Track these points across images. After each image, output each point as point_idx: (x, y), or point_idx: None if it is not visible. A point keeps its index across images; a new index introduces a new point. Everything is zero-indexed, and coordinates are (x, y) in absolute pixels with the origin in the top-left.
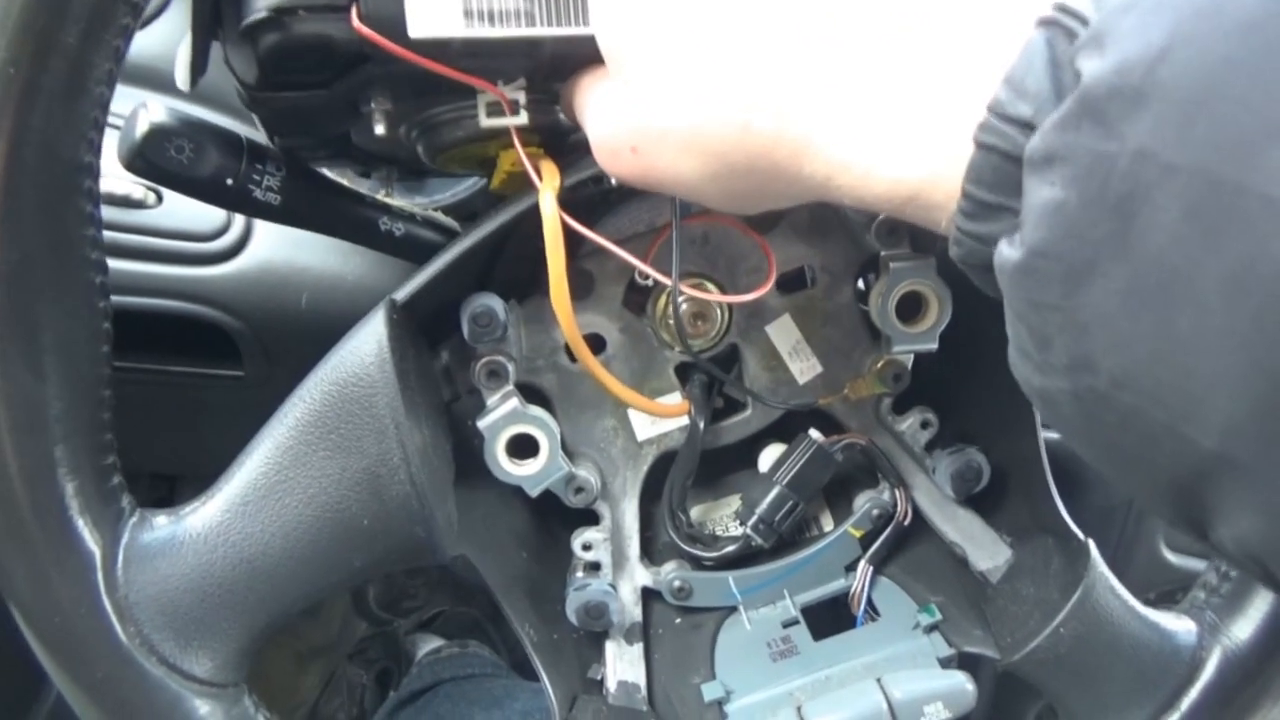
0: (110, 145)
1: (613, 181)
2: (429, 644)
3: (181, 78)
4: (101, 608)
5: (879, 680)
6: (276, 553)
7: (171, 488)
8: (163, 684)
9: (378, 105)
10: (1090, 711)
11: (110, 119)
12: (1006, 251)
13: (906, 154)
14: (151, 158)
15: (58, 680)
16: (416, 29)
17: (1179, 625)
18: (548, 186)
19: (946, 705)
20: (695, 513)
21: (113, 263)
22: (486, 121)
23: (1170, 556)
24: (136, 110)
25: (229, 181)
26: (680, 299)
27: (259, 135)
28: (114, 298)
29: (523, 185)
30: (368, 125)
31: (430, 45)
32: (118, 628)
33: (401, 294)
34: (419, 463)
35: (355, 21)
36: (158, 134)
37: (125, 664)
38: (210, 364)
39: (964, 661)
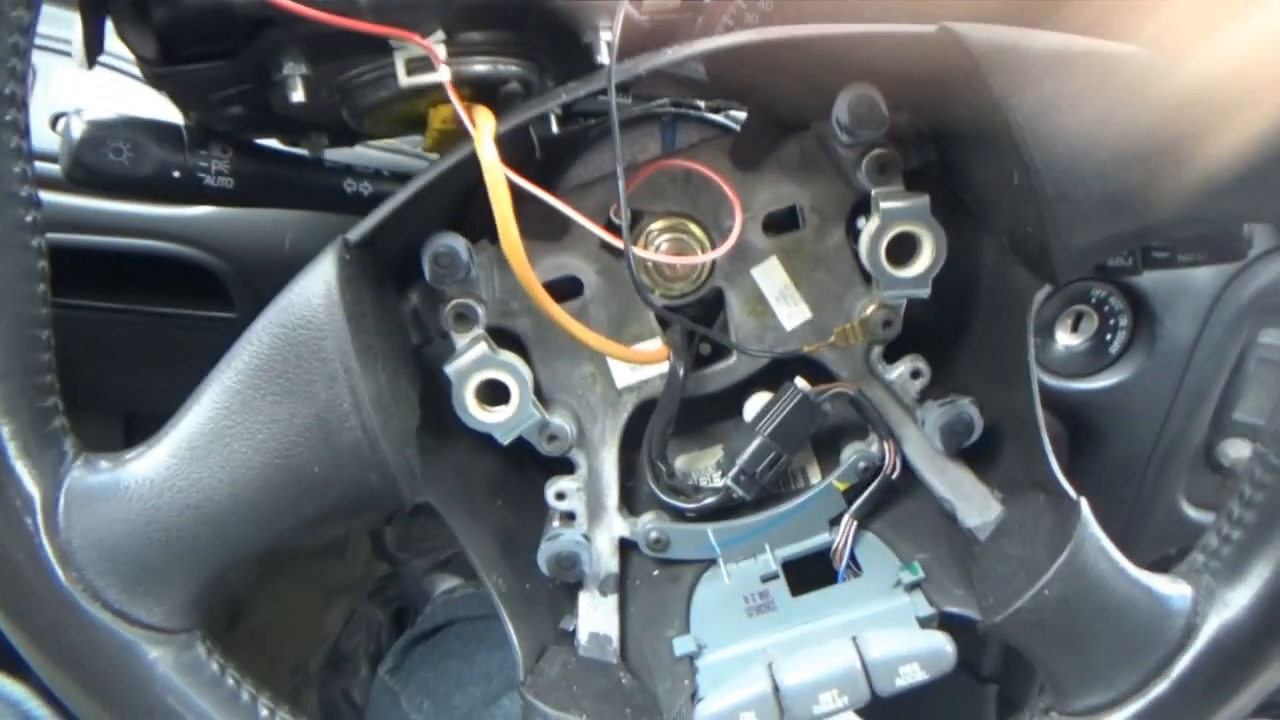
0: None
1: (554, 126)
2: (445, 584)
3: (78, 57)
4: (41, 552)
5: (854, 639)
6: (224, 499)
7: None
8: (109, 629)
9: (291, 70)
10: (1074, 677)
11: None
12: None
13: None
14: (91, 165)
15: (4, 627)
16: None
17: (1173, 589)
18: (483, 131)
19: (923, 667)
20: (680, 463)
21: (96, 203)
22: (407, 80)
23: (1191, 512)
24: (67, 119)
25: (176, 175)
26: (659, 239)
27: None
28: (95, 237)
29: (458, 141)
30: (284, 93)
31: (337, 1)
32: (59, 572)
33: (355, 234)
34: (370, 408)
35: None
36: (90, 140)
37: (68, 609)
38: (204, 306)
39: (949, 623)
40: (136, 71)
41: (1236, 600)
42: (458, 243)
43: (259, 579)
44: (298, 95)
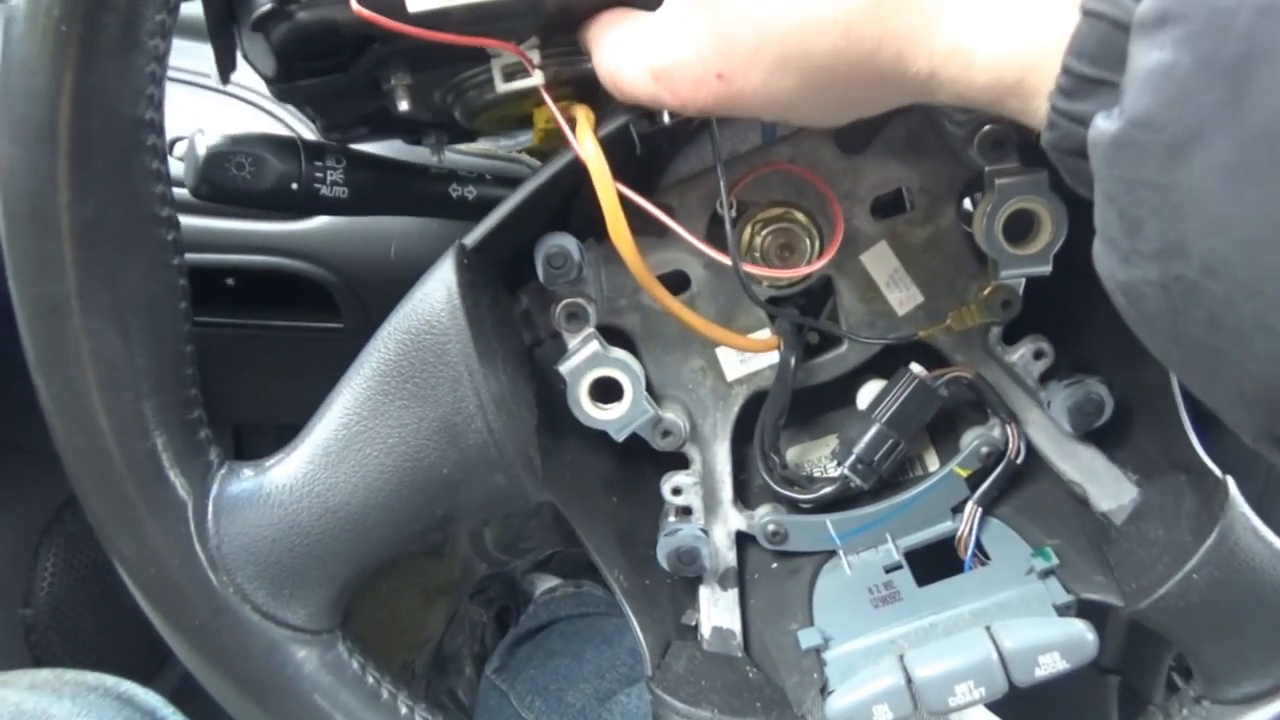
0: None
1: (665, 118)
2: (545, 583)
3: (215, 75)
4: (195, 557)
5: (988, 628)
6: (359, 503)
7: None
8: (260, 629)
9: (397, 81)
10: (1228, 664)
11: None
12: (1102, 125)
13: (1012, 32)
14: (216, 181)
15: (160, 629)
16: (415, 3)
17: None
18: (584, 131)
19: (1064, 656)
20: (791, 454)
21: (207, 221)
22: (504, 86)
23: None
24: (192, 138)
25: (294, 186)
26: (765, 231)
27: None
28: (210, 255)
29: (563, 139)
30: (392, 102)
31: (432, 16)
32: (211, 576)
33: (470, 239)
34: (495, 410)
35: (354, 4)
36: (216, 157)
37: (222, 611)
38: (311, 317)
39: (1084, 609)
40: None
41: None
42: (569, 243)
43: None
44: (404, 104)
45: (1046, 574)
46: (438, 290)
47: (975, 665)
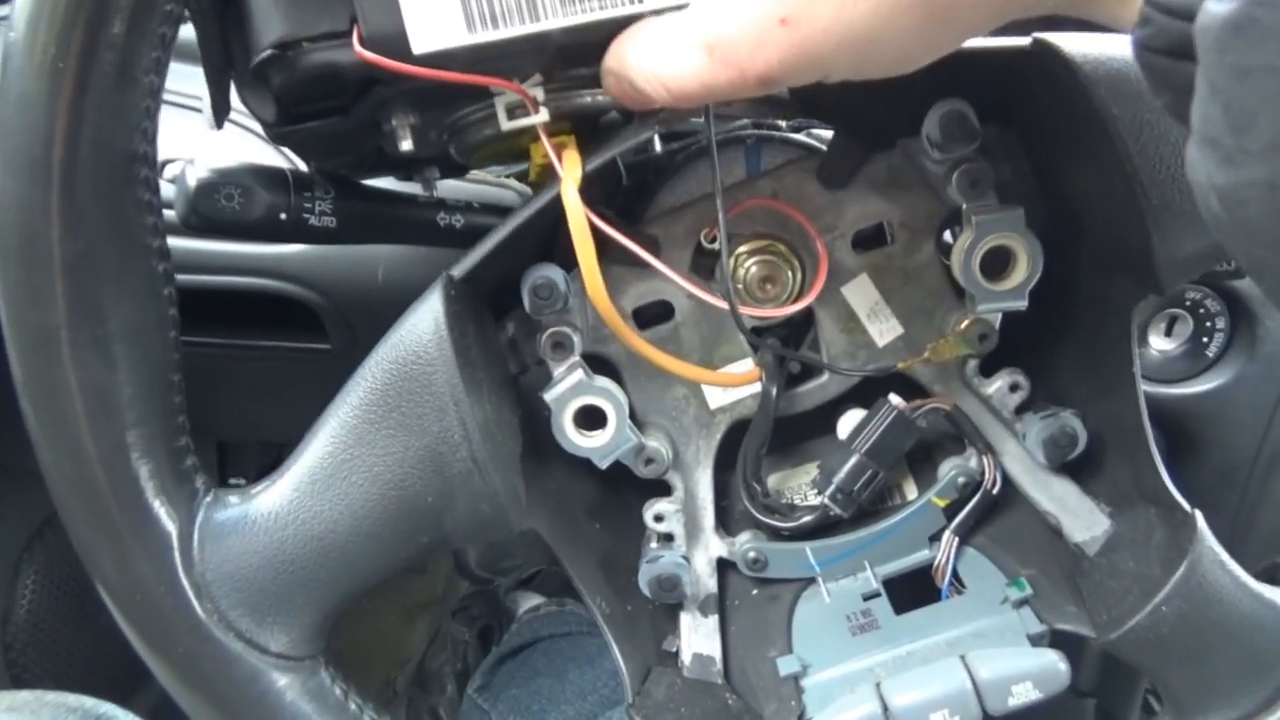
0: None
1: (656, 146)
2: (529, 602)
3: (208, 119)
4: (180, 585)
5: (963, 658)
6: (345, 530)
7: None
8: (241, 658)
9: (399, 122)
10: (1196, 694)
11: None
12: (1215, 8)
13: None
14: (205, 212)
15: (142, 654)
16: (419, 45)
17: None
18: (569, 178)
19: (1037, 685)
20: (773, 481)
21: (196, 243)
22: (508, 124)
23: None
24: (182, 169)
25: (283, 216)
26: (749, 262)
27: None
28: (199, 276)
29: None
30: (394, 143)
31: (436, 58)
32: (195, 604)
33: (458, 270)
34: (480, 439)
35: (357, 47)
36: (205, 188)
37: (204, 639)
38: (299, 338)
39: (1057, 640)
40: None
41: None
42: (556, 274)
43: None
44: (407, 144)
45: (1021, 604)
46: (425, 321)
47: (950, 694)
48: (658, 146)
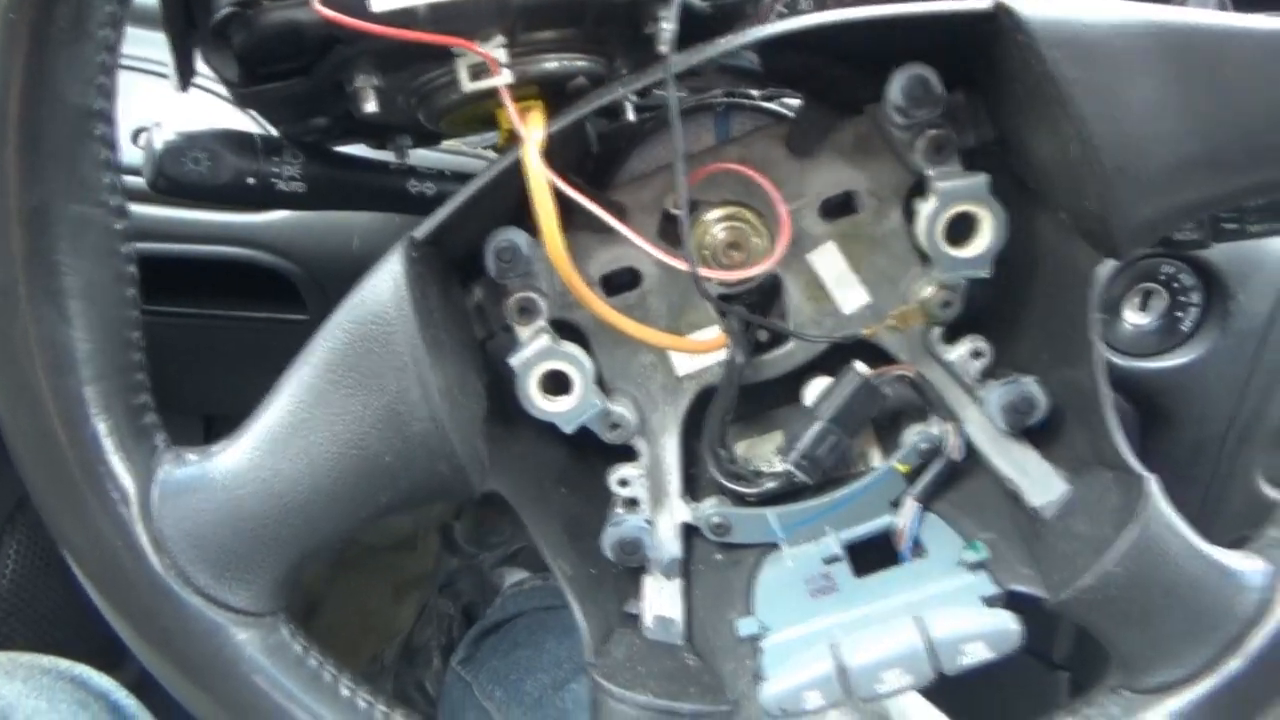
0: None
1: (629, 115)
2: (513, 577)
3: (173, 82)
4: (137, 540)
5: (918, 618)
6: (304, 488)
7: None
8: (199, 613)
9: (363, 82)
10: (1144, 654)
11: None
12: None
13: None
14: (172, 175)
15: (104, 611)
16: (379, 2)
17: (1247, 565)
18: (530, 140)
19: (989, 645)
20: (740, 448)
21: (173, 212)
22: (470, 85)
23: (1270, 492)
24: (150, 132)
25: (250, 181)
26: (716, 228)
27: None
28: (175, 245)
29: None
30: (358, 104)
31: (396, 15)
32: (154, 560)
33: (420, 232)
34: (439, 399)
35: (316, 4)
36: (172, 151)
37: (162, 594)
38: (277, 309)
39: (1017, 604)
40: (211, 87)
41: None
42: (519, 237)
43: (334, 573)
44: (370, 106)
45: (977, 567)
46: (385, 282)
47: (903, 653)
48: (630, 114)
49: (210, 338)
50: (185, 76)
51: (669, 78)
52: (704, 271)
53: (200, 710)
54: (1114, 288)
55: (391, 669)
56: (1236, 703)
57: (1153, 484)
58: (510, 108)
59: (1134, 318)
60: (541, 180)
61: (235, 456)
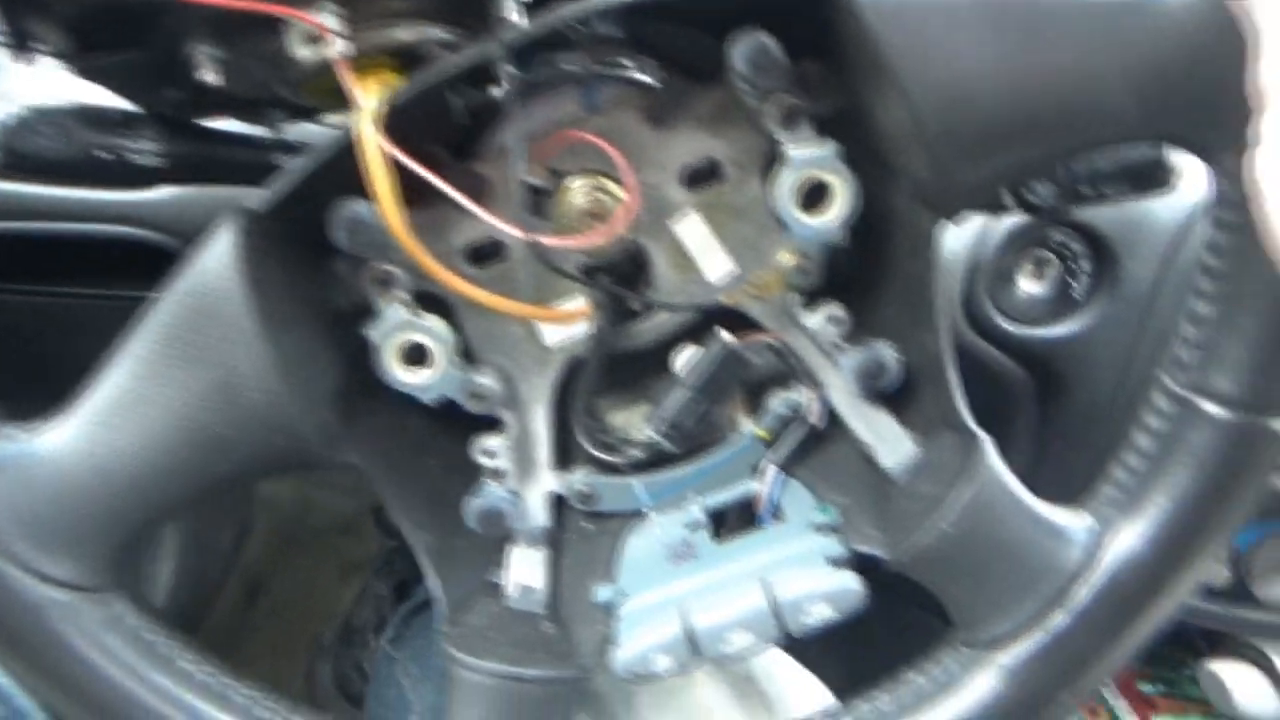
0: None
1: (500, 89)
2: None
3: (10, 52)
4: None
5: (764, 581)
6: (136, 463)
7: None
8: (23, 585)
9: (199, 53)
10: (977, 609)
11: None
12: None
13: None
14: (21, 150)
15: None
16: None
17: (1073, 521)
18: (365, 109)
19: (832, 605)
20: (617, 419)
21: (45, 190)
22: (301, 53)
23: None
24: None
25: (104, 155)
26: (577, 198)
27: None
28: (54, 224)
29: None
30: (199, 75)
31: None
32: None
33: (254, 202)
34: (273, 371)
35: None
36: (19, 127)
37: None
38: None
39: (862, 563)
40: None
41: (1135, 529)
42: (365, 208)
43: (277, 557)
44: (211, 76)
45: (827, 529)
46: (214, 254)
47: (749, 615)
48: (505, 86)
49: (97, 320)
50: (21, 47)
51: (501, 49)
52: (541, 239)
53: (31, 685)
54: (1007, 256)
55: (331, 650)
56: (1064, 655)
57: (986, 444)
58: (344, 76)
59: (1028, 286)
60: (375, 150)
61: (64, 431)
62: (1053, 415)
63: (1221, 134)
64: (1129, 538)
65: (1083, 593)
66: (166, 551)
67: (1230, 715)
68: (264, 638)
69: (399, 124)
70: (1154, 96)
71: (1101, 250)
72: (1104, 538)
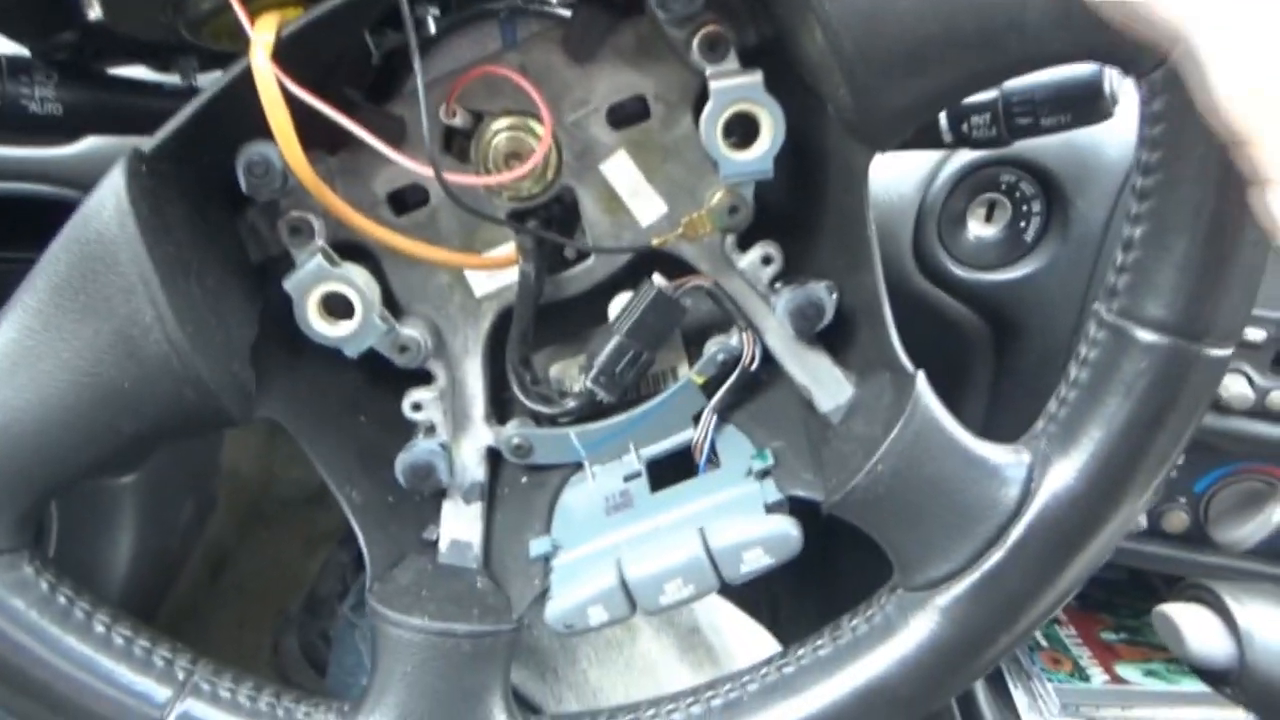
0: None
1: (431, 28)
2: None
3: None
4: None
5: (700, 529)
6: (35, 420)
7: None
8: None
9: None
10: (914, 552)
11: None
12: None
13: None
14: None
15: None
16: None
17: (1009, 458)
18: (256, 39)
19: (768, 551)
20: (555, 370)
21: None
22: None
23: None
24: None
25: None
26: (498, 139)
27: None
28: None
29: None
30: (83, 10)
31: None
32: None
33: (147, 145)
34: (175, 321)
35: None
36: None
37: None
38: None
39: (798, 507)
40: None
41: (1069, 465)
42: (271, 151)
43: (244, 529)
44: (94, 12)
45: (763, 474)
46: (106, 198)
47: (684, 564)
48: (432, 28)
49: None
50: None
51: None
52: (452, 176)
53: None
54: (958, 200)
55: (296, 620)
56: (1001, 595)
57: (921, 382)
58: (238, 9)
59: (979, 229)
60: (270, 82)
61: None
62: (1008, 360)
63: (1146, 50)
64: (1063, 472)
65: (1018, 530)
66: (124, 528)
67: (1183, 657)
68: (230, 614)
69: (307, 65)
70: (1074, 12)
71: (1052, 191)
72: (1039, 474)
